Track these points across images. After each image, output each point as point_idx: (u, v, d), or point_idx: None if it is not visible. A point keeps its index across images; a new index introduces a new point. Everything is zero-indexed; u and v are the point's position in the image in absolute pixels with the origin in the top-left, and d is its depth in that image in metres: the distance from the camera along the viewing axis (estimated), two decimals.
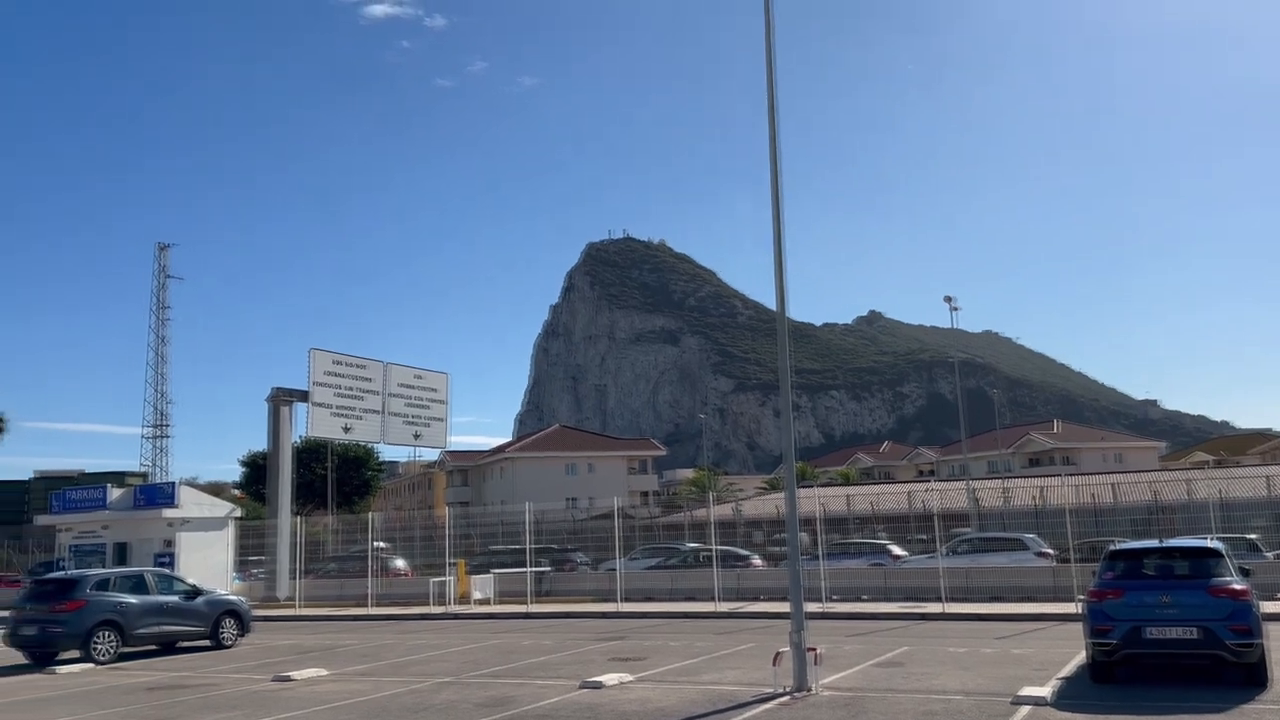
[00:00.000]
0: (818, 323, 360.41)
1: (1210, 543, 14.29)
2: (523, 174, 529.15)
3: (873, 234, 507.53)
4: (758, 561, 33.22)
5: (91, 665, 18.83)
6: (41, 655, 19.45)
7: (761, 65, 14.67)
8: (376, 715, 12.44)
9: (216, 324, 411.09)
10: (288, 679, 15.84)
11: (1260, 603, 13.00)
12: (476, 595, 30.49)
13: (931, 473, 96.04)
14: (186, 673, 17.50)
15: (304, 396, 38.32)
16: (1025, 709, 11.29)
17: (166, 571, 24.63)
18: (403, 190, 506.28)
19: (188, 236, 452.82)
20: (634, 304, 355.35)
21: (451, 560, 32.48)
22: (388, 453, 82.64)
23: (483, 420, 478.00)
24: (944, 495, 40.58)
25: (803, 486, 37.27)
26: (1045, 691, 12.09)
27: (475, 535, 42.72)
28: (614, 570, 29.76)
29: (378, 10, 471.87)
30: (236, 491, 74.74)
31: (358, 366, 40.57)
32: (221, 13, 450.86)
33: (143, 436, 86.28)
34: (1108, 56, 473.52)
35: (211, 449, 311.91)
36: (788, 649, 13.02)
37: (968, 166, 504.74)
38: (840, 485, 67.47)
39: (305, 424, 38.89)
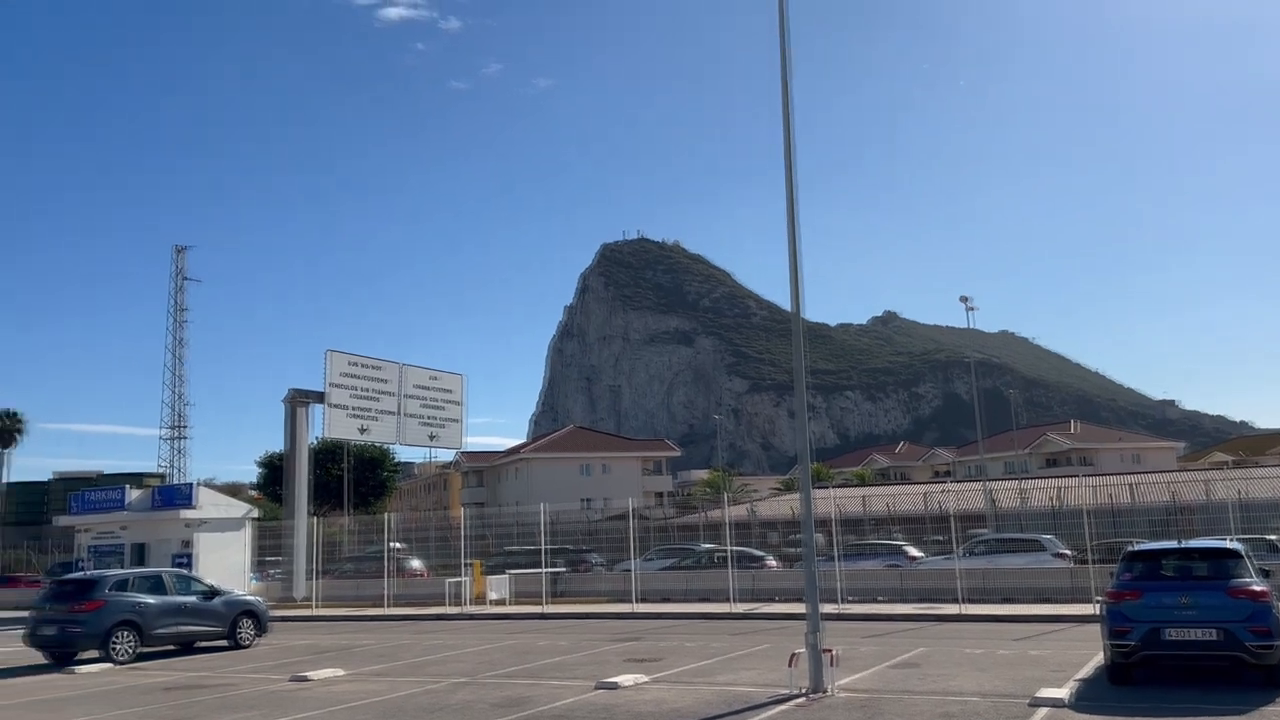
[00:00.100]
0: (833, 323, 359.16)
1: (1229, 544, 14.19)
2: (537, 175, 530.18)
3: (888, 234, 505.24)
4: (773, 562, 33.18)
5: (110, 665, 18.98)
6: (61, 655, 19.65)
7: (776, 65, 14.68)
8: (393, 715, 12.49)
9: (233, 326, 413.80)
10: (305, 679, 15.93)
11: None
12: (492, 596, 30.58)
13: (948, 473, 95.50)
14: (204, 673, 17.62)
15: (320, 398, 38.54)
16: (1043, 711, 11.24)
17: (184, 572, 24.75)
18: (418, 192, 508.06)
19: (205, 239, 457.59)
20: (648, 305, 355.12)
21: (467, 561, 32.57)
22: (404, 453, 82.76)
23: (498, 421, 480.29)
24: (960, 496, 40.30)
25: (818, 487, 37.14)
26: (1063, 693, 12.03)
27: (491, 536, 42.80)
28: (629, 571, 29.79)
29: (393, 13, 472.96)
30: (254, 492, 75.13)
31: (374, 368, 40.76)
32: (237, 17, 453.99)
33: (160, 438, 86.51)
34: (1126, 54, 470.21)
35: (229, 450, 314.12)
36: (803, 650, 13.00)
37: (981, 165, 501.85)
38: (856, 486, 67.32)
39: (322, 425, 39.19)
